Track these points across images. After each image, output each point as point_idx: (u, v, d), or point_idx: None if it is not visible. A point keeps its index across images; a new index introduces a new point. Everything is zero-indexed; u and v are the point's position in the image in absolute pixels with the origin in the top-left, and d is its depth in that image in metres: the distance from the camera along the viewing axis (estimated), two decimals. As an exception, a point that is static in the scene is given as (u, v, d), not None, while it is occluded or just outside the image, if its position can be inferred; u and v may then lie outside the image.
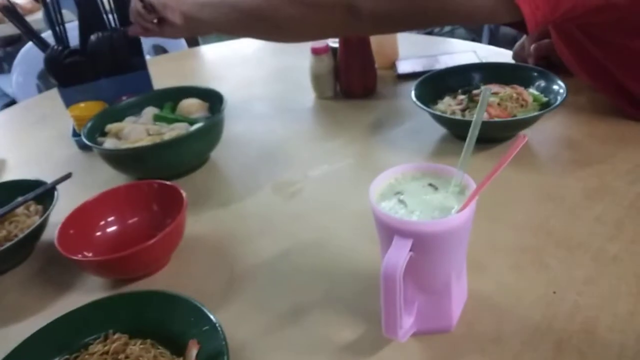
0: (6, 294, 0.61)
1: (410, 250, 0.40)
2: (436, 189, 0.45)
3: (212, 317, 0.47)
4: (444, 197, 0.44)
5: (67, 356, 0.47)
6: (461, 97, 0.78)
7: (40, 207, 0.71)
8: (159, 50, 1.81)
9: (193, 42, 1.82)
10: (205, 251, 0.63)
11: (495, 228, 0.59)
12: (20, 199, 0.69)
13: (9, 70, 2.64)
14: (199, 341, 0.46)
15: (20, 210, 0.69)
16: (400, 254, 0.39)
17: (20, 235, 0.63)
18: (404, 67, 1.03)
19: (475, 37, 2.95)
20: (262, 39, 0.80)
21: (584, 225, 0.57)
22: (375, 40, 0.95)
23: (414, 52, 1.10)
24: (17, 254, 0.65)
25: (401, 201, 0.44)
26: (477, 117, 0.43)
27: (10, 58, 2.63)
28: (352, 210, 0.66)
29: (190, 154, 0.78)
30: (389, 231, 0.41)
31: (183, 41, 1.68)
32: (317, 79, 0.97)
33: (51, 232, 0.68)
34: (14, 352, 0.46)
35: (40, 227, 0.65)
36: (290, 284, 0.56)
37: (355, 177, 0.74)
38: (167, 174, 0.78)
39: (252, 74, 1.19)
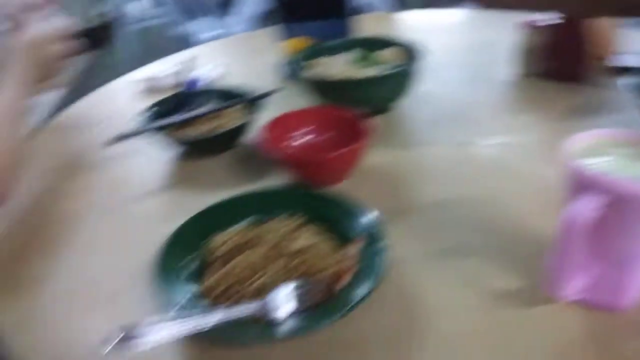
0: (212, 170, 0.73)
1: (601, 209, 0.38)
2: (642, 158, 0.42)
3: (378, 225, 0.51)
4: (651, 168, 0.41)
5: (256, 219, 0.56)
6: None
7: (247, 111, 0.82)
8: (363, 9, 1.89)
9: (396, 7, 1.87)
10: (380, 179, 0.68)
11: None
12: (231, 101, 0.82)
13: (232, 13, 3.03)
14: (362, 241, 0.51)
15: (233, 110, 0.82)
16: (587, 206, 0.38)
17: (229, 127, 0.75)
18: (620, 60, 0.93)
19: None
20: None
21: None
22: (595, 27, 0.88)
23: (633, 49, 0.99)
24: (224, 142, 0.77)
25: (602, 163, 0.42)
26: None
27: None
28: (528, 178, 0.65)
29: (380, 95, 0.83)
30: (581, 186, 0.40)
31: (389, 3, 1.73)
32: (524, 55, 0.93)
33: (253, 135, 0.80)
34: (215, 206, 0.57)
35: (245, 125, 0.77)
36: (454, 226, 0.58)
37: (537, 150, 0.72)
38: (356, 109, 0.85)
39: (453, 42, 1.19)
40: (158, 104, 0.82)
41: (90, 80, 3.67)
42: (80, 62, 3.81)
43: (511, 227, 0.56)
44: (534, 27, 0.90)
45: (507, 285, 0.49)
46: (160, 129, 0.75)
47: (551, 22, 0.91)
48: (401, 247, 0.53)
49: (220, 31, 2.65)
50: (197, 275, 0.50)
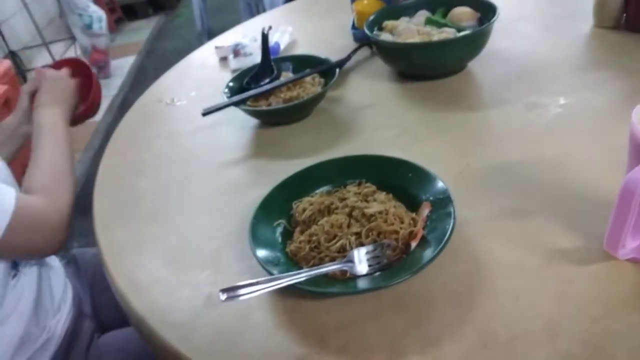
0: (292, 138, 0.80)
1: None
2: None
3: (447, 189, 0.55)
4: None
5: (331, 187, 0.62)
6: None
7: (322, 80, 0.87)
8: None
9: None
10: (445, 143, 0.72)
11: None
12: (309, 70, 0.87)
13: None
14: (431, 205, 0.56)
15: (308, 79, 0.87)
16: (649, 174, 0.40)
17: (306, 97, 0.80)
18: None
19: None
20: None
21: None
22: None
23: None
24: (302, 111, 0.83)
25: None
26: None
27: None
28: (599, 139, 0.65)
29: (451, 58, 0.84)
30: (644, 152, 0.42)
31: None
32: (601, 5, 0.89)
33: (327, 103, 0.86)
34: (298, 173, 0.63)
35: (321, 95, 0.82)
36: (520, 187, 0.61)
37: (611, 111, 0.71)
38: (427, 72, 0.87)
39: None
40: (240, 76, 0.89)
41: (162, 42, 3.83)
42: (149, 26, 3.97)
43: (575, 188, 0.58)
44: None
45: (567, 243, 0.52)
46: (245, 100, 0.82)
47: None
48: (468, 207, 0.57)
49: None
50: (284, 238, 0.57)
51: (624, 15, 0.89)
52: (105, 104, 2.84)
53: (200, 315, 0.52)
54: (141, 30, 3.96)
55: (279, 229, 0.58)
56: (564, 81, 0.80)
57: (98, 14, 3.09)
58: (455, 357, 0.44)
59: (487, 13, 0.86)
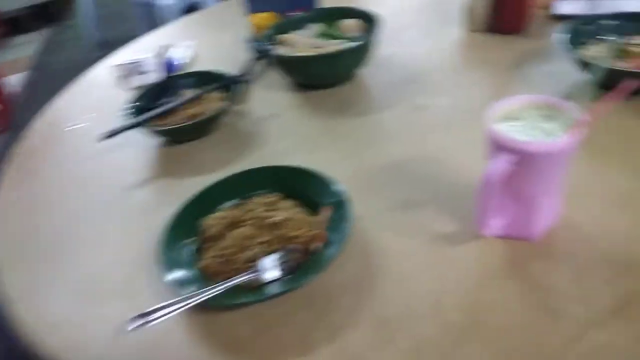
0: (197, 154, 0.82)
1: (512, 164, 0.48)
2: (550, 119, 0.51)
3: (343, 192, 0.61)
4: (555, 127, 0.50)
5: (238, 200, 0.66)
6: (608, 45, 0.78)
7: (225, 95, 0.90)
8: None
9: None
10: (341, 148, 0.78)
11: (606, 170, 0.64)
12: (212, 86, 0.89)
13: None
14: (330, 207, 0.61)
15: (211, 94, 0.89)
16: (501, 163, 0.48)
17: (210, 113, 0.83)
18: (563, 8, 1.01)
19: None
20: None
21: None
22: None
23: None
24: (206, 127, 0.85)
25: (515, 125, 0.52)
26: (604, 62, 0.48)
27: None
28: (474, 134, 0.73)
29: (343, 67, 0.91)
30: (497, 147, 0.50)
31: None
32: (469, 12, 1.00)
33: (230, 117, 0.88)
34: (205, 190, 0.66)
35: (225, 110, 0.85)
36: (407, 182, 0.68)
37: (484, 106, 0.80)
38: (321, 82, 0.93)
39: (408, 1, 1.25)
40: (141, 95, 0.89)
41: (53, 56, 3.58)
42: (37, 39, 3.70)
43: (453, 179, 0.67)
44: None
45: (448, 228, 0.60)
46: (144, 122, 0.83)
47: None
48: (364, 205, 0.63)
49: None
50: (195, 256, 0.59)
51: (492, 19, 1.00)
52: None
53: (116, 346, 0.53)
54: (29, 45, 3.69)
55: (189, 248, 0.60)
56: (443, 83, 0.89)
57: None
58: (357, 341, 0.49)
59: (371, 24, 0.94)
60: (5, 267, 0.66)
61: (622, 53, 0.74)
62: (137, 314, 0.49)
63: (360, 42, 0.89)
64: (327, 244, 0.57)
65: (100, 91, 1.08)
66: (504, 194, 0.52)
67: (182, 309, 0.50)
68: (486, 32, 1.01)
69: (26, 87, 3.08)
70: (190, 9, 2.38)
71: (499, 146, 0.49)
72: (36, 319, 0.58)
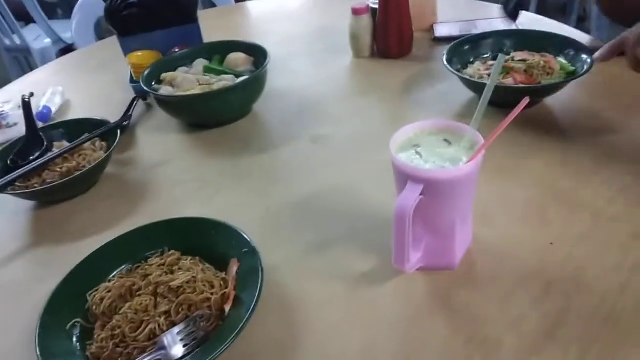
0: (77, 215, 0.72)
1: (421, 195, 0.47)
2: (450, 143, 0.51)
3: (250, 241, 0.55)
4: (455, 151, 0.50)
5: (130, 265, 0.57)
6: (490, 62, 0.82)
7: (104, 144, 0.80)
8: (207, 4, 1.87)
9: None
10: (244, 190, 0.72)
11: (505, 185, 0.65)
12: (87, 135, 0.79)
13: (63, 16, 2.78)
14: (239, 260, 0.55)
15: (87, 145, 0.79)
16: (411, 196, 0.46)
17: (88, 167, 0.73)
18: (441, 30, 1.06)
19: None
20: None
21: (589, 188, 0.62)
22: (414, 3, 0.99)
23: (454, 15, 1.12)
24: (85, 182, 0.75)
25: (417, 153, 0.50)
26: (491, 81, 0.48)
27: (64, 4, 2.75)
28: (376, 161, 0.72)
29: (235, 103, 0.86)
30: (404, 178, 0.48)
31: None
32: (355, 39, 1.01)
33: (114, 167, 0.79)
34: (88, 258, 0.57)
35: (105, 160, 0.75)
36: (318, 220, 0.64)
37: (383, 132, 0.79)
38: (214, 121, 0.87)
39: (294, 30, 1.25)
40: (4, 151, 0.77)
41: None
42: None
43: (364, 212, 0.64)
44: (358, 12, 0.98)
45: (366, 266, 0.56)
46: (10, 184, 0.71)
47: (372, 6, 0.99)
48: (275, 252, 0.58)
49: (52, 38, 2.45)
50: (84, 340, 0.50)
51: (376, 44, 1.02)
52: None
53: None
54: None
55: (75, 331, 0.51)
56: (338, 111, 0.88)
57: None
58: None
59: (259, 56, 0.91)
60: None
61: (505, 69, 0.77)
62: None
63: (250, 76, 0.85)
64: (239, 303, 0.51)
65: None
66: (418, 225, 0.50)
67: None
68: (372, 57, 1.03)
69: None
70: (66, 51, 2.20)
71: (406, 177, 0.47)
72: None
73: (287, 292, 0.55)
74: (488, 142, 0.46)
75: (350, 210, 0.65)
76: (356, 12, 0.98)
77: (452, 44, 0.85)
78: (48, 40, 2.49)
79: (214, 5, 1.83)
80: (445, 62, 0.80)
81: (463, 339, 0.47)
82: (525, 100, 0.45)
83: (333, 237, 0.61)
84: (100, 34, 1.74)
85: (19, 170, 0.73)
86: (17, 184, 0.72)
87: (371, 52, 1.03)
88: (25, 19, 2.55)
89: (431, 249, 0.53)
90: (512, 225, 0.59)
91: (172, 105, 0.85)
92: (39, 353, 0.46)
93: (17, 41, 2.45)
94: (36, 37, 2.52)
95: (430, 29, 1.08)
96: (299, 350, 0.48)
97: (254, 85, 0.86)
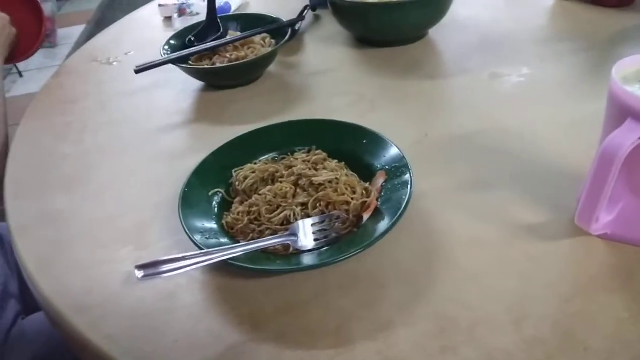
0: (237, 102, 0.72)
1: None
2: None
3: (404, 156, 0.50)
4: None
5: (277, 155, 0.56)
6: None
7: (274, 41, 0.79)
8: None
9: None
10: (403, 112, 0.66)
11: None
12: (260, 29, 0.79)
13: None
14: (387, 174, 0.50)
15: (258, 40, 0.79)
16: (629, 136, 0.36)
17: (252, 57, 0.73)
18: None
19: None
20: None
21: None
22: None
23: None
24: (250, 72, 0.75)
25: (645, 90, 0.39)
26: None
27: None
28: (564, 111, 0.62)
29: (413, 20, 0.78)
30: (623, 113, 0.37)
31: None
32: (567, -24, 0.86)
33: (278, 67, 0.78)
34: (240, 138, 0.56)
35: (272, 55, 0.75)
36: (480, 157, 0.56)
37: (578, 82, 0.67)
38: (386, 37, 0.81)
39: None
40: (184, 32, 0.80)
41: (112, 12, 3.59)
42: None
43: (538, 160, 0.54)
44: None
45: (532, 217, 0.47)
46: (186, 58, 0.74)
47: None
48: (425, 179, 0.51)
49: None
50: (221, 210, 0.50)
51: (590, -13, 0.86)
52: (49, 74, 2.63)
53: (117, 296, 0.45)
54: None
55: (216, 199, 0.51)
56: (526, 52, 0.76)
57: (44, -22, 2.87)
58: (409, 342, 0.38)
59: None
60: (22, 194, 0.60)
61: None
62: (148, 261, 0.40)
63: (436, -6, 0.77)
64: (379, 216, 0.46)
65: (144, 31, 1.00)
66: (620, 181, 0.39)
67: (196, 266, 0.41)
68: (581, 1, 0.87)
69: (85, 39, 3.07)
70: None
71: (629, 111, 0.37)
72: (34, 256, 0.51)
73: (432, 222, 0.48)
74: None
75: (521, 154, 0.55)
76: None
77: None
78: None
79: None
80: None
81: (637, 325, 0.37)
82: None
83: (495, 178, 0.53)
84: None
85: (194, 48, 0.75)
86: (190, 62, 0.75)
87: (582, -5, 0.87)
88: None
89: (628, 216, 0.42)
90: None
91: (346, 12, 0.80)
92: (180, 204, 0.47)
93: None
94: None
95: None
96: (433, 287, 0.42)
97: (438, 4, 0.77)
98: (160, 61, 0.72)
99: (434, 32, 0.83)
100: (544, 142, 0.57)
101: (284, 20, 0.81)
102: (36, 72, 2.69)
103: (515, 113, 0.63)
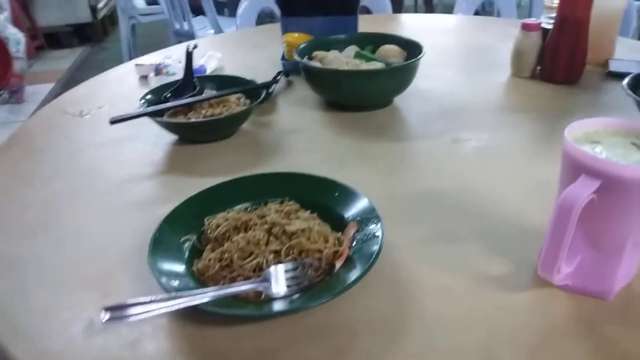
0: (210, 157, 0.73)
1: (594, 193, 0.39)
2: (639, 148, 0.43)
3: (375, 208, 0.52)
4: (646, 158, 0.42)
5: (249, 205, 0.56)
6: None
7: (248, 101, 0.83)
8: (363, 10, 1.90)
9: (396, 9, 1.88)
10: (371, 169, 0.69)
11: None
12: (235, 89, 0.82)
13: (228, 14, 3.04)
14: (358, 224, 0.51)
15: (233, 99, 0.82)
16: (583, 191, 0.39)
17: (227, 113, 0.76)
18: (617, 65, 0.95)
19: None
20: None
21: None
22: (592, 32, 0.89)
23: (630, 57, 1.01)
24: (224, 128, 0.78)
25: (594, 150, 0.43)
26: None
27: (232, 4, 3.00)
28: (520, 173, 0.66)
29: (380, 88, 0.83)
30: (576, 169, 0.41)
31: (388, 6, 1.74)
32: (518, 56, 0.95)
33: (251, 126, 0.81)
34: (213, 188, 0.57)
35: (246, 113, 0.77)
36: (446, 213, 0.58)
37: (532, 148, 0.73)
38: (354, 102, 0.86)
39: (449, 43, 1.21)
40: (161, 88, 0.83)
41: (82, 74, 3.62)
42: (72, 56, 3.78)
43: (497, 217, 0.57)
44: (529, 28, 0.92)
45: (497, 269, 0.49)
46: (161, 112, 0.75)
47: (545, 25, 0.92)
48: (394, 232, 0.53)
49: (215, 30, 2.68)
50: (192, 257, 0.49)
51: (538, 67, 0.94)
52: (13, 130, 2.58)
53: (78, 343, 0.43)
54: (63, 59, 3.72)
55: (187, 246, 0.50)
56: (485, 121, 0.82)
57: (16, 36, 2.91)
58: (380, 392, 0.38)
59: (413, 51, 0.88)
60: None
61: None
62: (111, 309, 0.39)
63: (399, 64, 0.83)
64: (351, 264, 0.47)
65: (119, 88, 1.02)
66: (578, 234, 0.42)
67: (164, 309, 0.40)
68: (532, 79, 0.95)
69: (53, 97, 3.06)
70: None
71: (581, 168, 0.40)
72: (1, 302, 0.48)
73: (402, 272, 0.50)
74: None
75: (483, 211, 0.58)
76: (527, 27, 0.91)
77: (636, 73, 0.75)
78: (212, 31, 2.73)
79: (369, 12, 1.85)
80: (626, 86, 0.70)
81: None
82: None
83: (460, 232, 0.55)
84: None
85: (170, 102, 0.77)
86: (165, 116, 0.77)
87: (532, 73, 0.95)
88: (197, 11, 2.83)
89: (586, 268, 0.44)
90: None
91: (319, 77, 0.85)
92: (151, 248, 0.46)
93: (185, 27, 2.72)
94: (202, 27, 2.78)
95: (605, 64, 0.97)
96: (405, 334, 0.43)
97: (403, 74, 0.83)
98: (137, 113, 0.73)
99: (399, 100, 0.88)
100: (504, 200, 0.60)
101: (258, 80, 0.85)
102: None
103: (476, 174, 0.66)
